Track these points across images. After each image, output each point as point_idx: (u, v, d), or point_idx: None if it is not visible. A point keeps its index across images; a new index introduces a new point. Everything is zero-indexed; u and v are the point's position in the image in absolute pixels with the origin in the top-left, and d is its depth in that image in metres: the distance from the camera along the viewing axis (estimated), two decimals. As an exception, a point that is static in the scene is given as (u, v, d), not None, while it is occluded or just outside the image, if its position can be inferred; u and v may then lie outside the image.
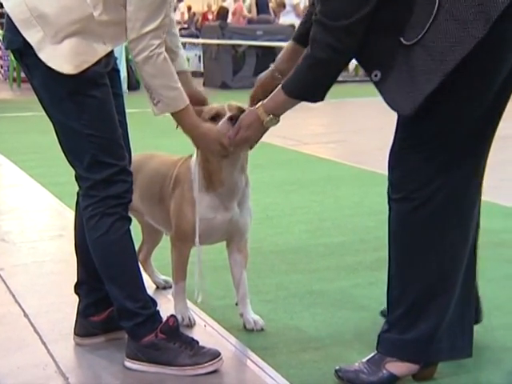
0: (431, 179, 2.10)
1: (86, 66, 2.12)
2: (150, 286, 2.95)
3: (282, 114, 2.21)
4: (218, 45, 12.02)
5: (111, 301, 2.43)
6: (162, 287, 2.96)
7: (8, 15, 2.16)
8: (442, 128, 2.08)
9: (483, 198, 2.24)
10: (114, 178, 2.21)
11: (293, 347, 2.43)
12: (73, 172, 2.29)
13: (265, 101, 2.21)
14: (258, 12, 16.34)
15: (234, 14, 14.92)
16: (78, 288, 2.49)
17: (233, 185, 2.43)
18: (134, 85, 11.01)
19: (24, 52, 2.16)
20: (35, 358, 2.36)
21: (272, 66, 2.49)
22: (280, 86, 2.15)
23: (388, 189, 2.22)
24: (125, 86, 10.68)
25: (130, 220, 2.29)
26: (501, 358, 2.35)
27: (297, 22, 14.53)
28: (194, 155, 2.47)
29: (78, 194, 2.39)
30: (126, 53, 10.77)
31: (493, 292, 2.90)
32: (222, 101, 2.43)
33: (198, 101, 2.41)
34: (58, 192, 4.53)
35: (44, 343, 2.46)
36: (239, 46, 11.91)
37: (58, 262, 3.33)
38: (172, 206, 2.51)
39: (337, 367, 2.21)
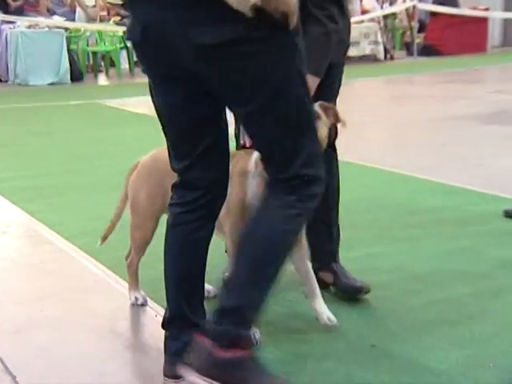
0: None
1: None
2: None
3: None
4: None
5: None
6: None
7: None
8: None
9: (424, 176, 2.27)
10: (319, 176, 1.91)
11: (282, 343, 2.34)
12: (15, 167, 2.18)
13: None
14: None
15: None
16: (168, 323, 2.06)
17: None
18: (77, 76, 10.78)
19: (248, 36, 1.71)
20: (-19, 358, 2.29)
21: None
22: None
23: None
24: (67, 76, 10.50)
25: None
26: (443, 330, 2.42)
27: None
28: (255, 154, 2.26)
29: (170, 209, 2.05)
30: (67, 42, 10.57)
31: (434, 268, 2.98)
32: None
33: None
34: (0, 188, 4.41)
35: (-10, 342, 2.41)
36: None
37: (2, 259, 3.27)
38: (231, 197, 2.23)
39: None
